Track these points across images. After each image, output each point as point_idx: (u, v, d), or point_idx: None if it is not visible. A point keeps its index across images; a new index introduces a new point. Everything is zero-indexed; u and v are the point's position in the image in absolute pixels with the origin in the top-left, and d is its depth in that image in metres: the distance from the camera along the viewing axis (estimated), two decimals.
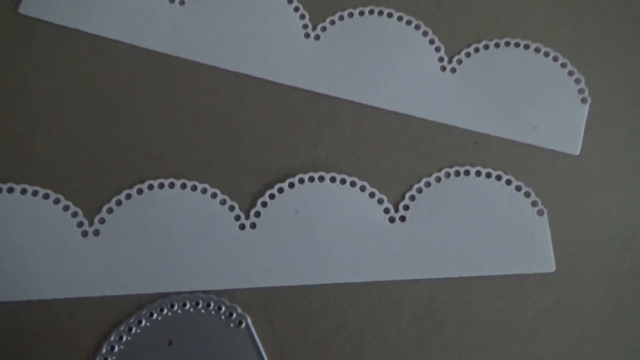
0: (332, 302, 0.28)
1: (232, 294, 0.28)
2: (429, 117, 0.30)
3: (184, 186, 0.29)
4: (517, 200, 0.29)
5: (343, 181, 0.29)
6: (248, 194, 0.29)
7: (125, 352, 0.27)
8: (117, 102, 0.30)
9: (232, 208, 0.29)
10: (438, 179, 0.30)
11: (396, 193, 0.30)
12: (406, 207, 0.29)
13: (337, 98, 0.30)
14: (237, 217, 0.29)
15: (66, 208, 0.28)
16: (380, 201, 0.29)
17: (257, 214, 0.29)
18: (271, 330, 0.28)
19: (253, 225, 0.29)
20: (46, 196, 0.28)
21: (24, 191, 0.28)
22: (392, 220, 0.29)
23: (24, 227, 0.27)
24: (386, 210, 0.29)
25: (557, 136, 0.30)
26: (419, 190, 0.30)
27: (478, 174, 0.30)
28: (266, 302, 0.28)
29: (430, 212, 0.29)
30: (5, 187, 0.28)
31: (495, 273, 0.29)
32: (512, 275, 0.29)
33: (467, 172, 0.30)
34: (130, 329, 0.27)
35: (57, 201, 0.28)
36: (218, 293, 0.28)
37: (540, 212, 0.29)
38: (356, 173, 0.29)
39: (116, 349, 0.27)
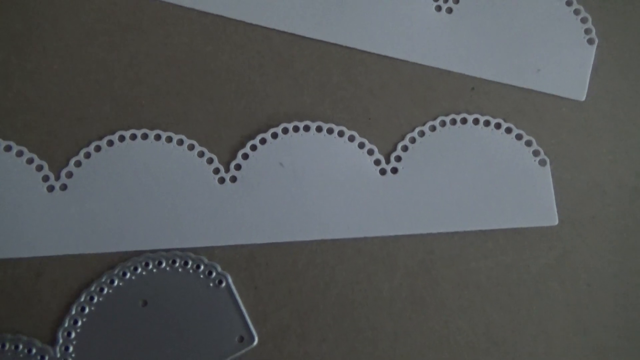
0: (320, 259, 0.26)
1: (211, 252, 0.26)
2: (423, 61, 0.28)
3: (158, 137, 0.27)
4: (517, 150, 0.28)
5: (330, 131, 0.27)
6: (228, 146, 0.27)
7: (97, 314, 0.25)
8: (84, 46, 0.27)
9: (210, 160, 0.27)
10: (433, 128, 0.28)
11: (388, 143, 0.28)
12: (398, 158, 0.27)
13: (323, 42, 0.28)
14: (217, 170, 0.27)
15: (30, 161, 0.26)
16: (370, 152, 0.27)
17: (238, 167, 0.27)
18: (254, 290, 0.26)
19: (233, 179, 0.27)
20: (8, 148, 0.26)
21: None
22: (383, 172, 0.27)
23: None
24: (377, 162, 0.27)
25: (561, 80, 0.28)
26: (412, 140, 0.28)
27: (476, 122, 0.28)
28: (248, 260, 0.26)
29: (424, 163, 0.27)
30: None
31: (494, 227, 0.27)
32: (513, 229, 0.27)
33: (464, 120, 0.28)
34: (101, 290, 0.25)
35: (20, 154, 0.26)
36: (196, 251, 0.26)
37: (542, 162, 0.27)
38: (344, 122, 0.28)
39: (87, 310, 0.25)
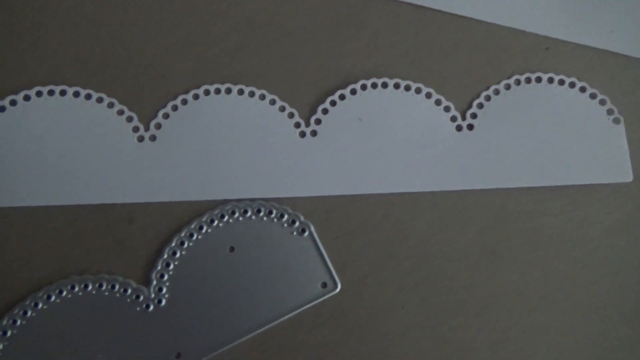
0: (396, 212, 0.28)
1: (293, 203, 0.27)
2: (497, 21, 0.29)
3: (241, 92, 0.28)
4: (591, 108, 0.28)
5: (408, 88, 0.28)
6: (308, 101, 0.28)
7: (187, 258, 0.26)
8: (167, 5, 0.28)
9: (291, 115, 0.28)
10: (508, 86, 0.29)
11: (463, 101, 0.29)
12: (474, 115, 0.28)
13: (397, 1, 0.29)
14: (297, 125, 0.28)
15: (121, 112, 0.27)
16: (447, 109, 0.28)
17: (318, 122, 0.28)
18: (334, 240, 0.27)
19: (314, 133, 0.28)
20: (100, 100, 0.27)
21: (76, 94, 0.27)
22: (459, 128, 0.28)
23: (78, 131, 0.27)
24: (453, 119, 0.28)
25: (635, 40, 0.29)
26: (488, 98, 0.29)
27: (550, 80, 0.29)
28: (328, 211, 0.27)
29: (500, 120, 0.28)
30: (57, 89, 0.27)
31: (568, 183, 0.28)
32: (586, 186, 0.28)
33: (538, 79, 0.29)
34: (191, 235, 0.26)
35: (111, 105, 0.27)
36: (279, 201, 0.27)
37: (616, 121, 0.28)
38: (421, 80, 0.28)
39: (178, 254, 0.26)
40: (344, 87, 0.28)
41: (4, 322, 0.25)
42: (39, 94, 0.27)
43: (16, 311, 0.25)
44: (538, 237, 0.27)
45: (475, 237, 0.27)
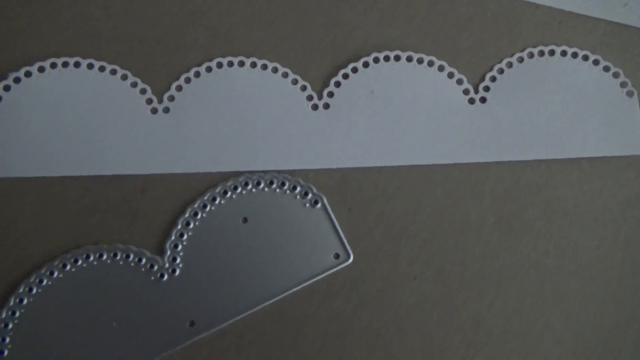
0: (409, 184, 0.28)
1: (306, 175, 0.27)
2: None
3: (254, 65, 0.28)
4: (605, 81, 0.28)
5: (420, 60, 0.28)
6: (320, 74, 0.28)
7: (201, 229, 0.26)
8: None
9: (304, 88, 0.28)
10: (520, 59, 0.29)
11: (476, 74, 0.29)
12: (487, 88, 0.28)
13: None
14: (310, 98, 0.28)
15: (134, 84, 0.28)
16: (459, 82, 0.28)
17: (331, 94, 0.28)
18: (347, 211, 0.27)
19: (326, 106, 0.28)
20: (113, 72, 0.28)
21: (90, 66, 0.27)
22: (471, 101, 0.28)
23: (92, 102, 0.27)
24: (466, 91, 0.28)
25: None
26: (501, 71, 0.29)
27: (563, 53, 0.29)
28: (341, 183, 0.28)
29: (513, 93, 0.28)
30: (72, 61, 0.27)
31: (581, 155, 0.28)
32: (599, 158, 0.28)
33: (551, 52, 0.29)
34: (204, 206, 0.27)
35: (124, 77, 0.28)
36: (292, 173, 0.27)
37: (629, 93, 0.28)
38: (433, 53, 0.28)
39: (191, 225, 0.26)
40: (357, 60, 0.28)
41: (20, 290, 0.25)
42: (53, 65, 0.27)
43: (32, 279, 0.25)
44: (551, 210, 0.27)
45: (489, 209, 0.28)
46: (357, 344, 0.26)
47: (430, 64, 0.28)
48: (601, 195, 0.28)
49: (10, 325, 0.25)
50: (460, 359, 0.26)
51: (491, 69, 0.29)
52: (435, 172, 0.28)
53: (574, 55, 0.29)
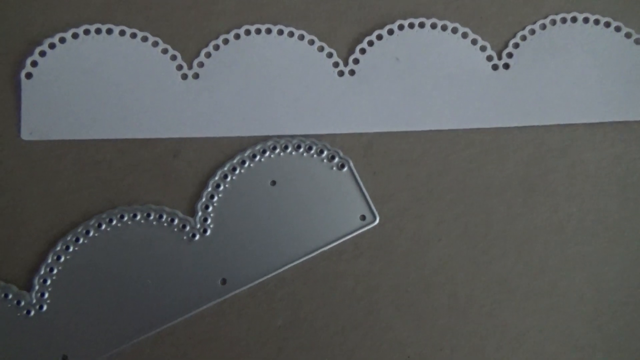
0: (434, 148, 0.28)
1: (332, 139, 0.28)
2: None
3: (280, 32, 0.29)
4: (627, 47, 0.29)
5: (444, 27, 0.29)
6: (346, 42, 0.29)
7: (231, 191, 0.27)
8: None
9: (330, 55, 0.29)
10: (543, 26, 0.29)
11: (499, 41, 0.29)
12: (510, 55, 0.29)
13: None
14: (336, 64, 0.29)
15: (165, 51, 0.28)
16: (483, 48, 0.29)
17: (356, 61, 0.29)
18: (372, 175, 0.28)
19: (352, 72, 0.29)
20: (145, 39, 0.28)
21: (122, 33, 0.28)
22: (495, 67, 0.29)
23: (124, 68, 0.28)
24: (489, 58, 0.29)
25: None
26: (523, 38, 0.29)
27: (585, 20, 0.29)
28: (366, 147, 0.28)
29: (535, 59, 0.29)
30: (104, 28, 0.28)
31: (604, 120, 0.28)
32: (622, 122, 0.28)
33: (574, 19, 0.29)
34: (234, 169, 0.27)
35: (155, 44, 0.28)
36: (318, 137, 0.28)
37: None
38: (457, 20, 0.29)
39: (222, 187, 0.27)
40: (382, 27, 0.29)
41: (58, 248, 0.26)
42: (86, 32, 0.28)
43: (69, 237, 0.26)
44: (574, 173, 0.28)
45: (513, 172, 0.28)
46: (384, 301, 0.27)
47: (454, 30, 0.29)
48: (624, 159, 0.28)
49: (49, 282, 0.26)
50: (485, 316, 0.27)
51: (514, 36, 0.29)
52: (460, 136, 0.29)
53: (596, 22, 0.29)
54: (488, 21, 0.29)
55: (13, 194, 0.27)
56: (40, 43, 0.28)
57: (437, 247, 0.27)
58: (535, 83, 0.29)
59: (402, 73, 0.29)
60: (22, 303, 0.25)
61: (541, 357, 0.27)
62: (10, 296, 0.25)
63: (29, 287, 0.26)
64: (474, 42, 0.29)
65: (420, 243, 0.27)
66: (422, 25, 0.29)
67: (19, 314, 0.25)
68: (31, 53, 0.27)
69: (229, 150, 0.28)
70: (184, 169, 0.28)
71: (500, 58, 0.29)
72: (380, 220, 0.27)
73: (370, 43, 0.29)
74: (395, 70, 0.29)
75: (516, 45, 0.29)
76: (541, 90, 0.29)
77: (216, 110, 0.28)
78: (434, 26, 0.29)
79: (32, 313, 0.25)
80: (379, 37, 0.29)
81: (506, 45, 0.29)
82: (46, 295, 0.26)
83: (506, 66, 0.29)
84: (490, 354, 0.26)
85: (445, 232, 0.28)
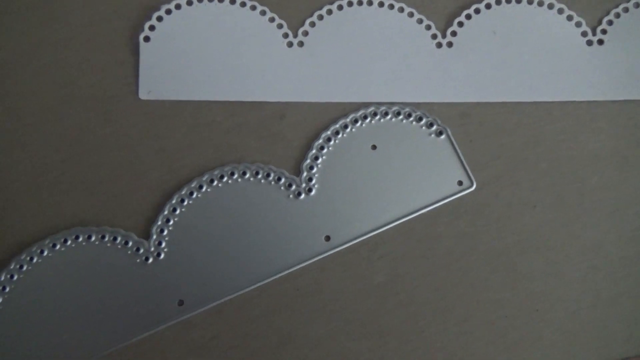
0: (528, 119, 0.30)
1: (430, 108, 0.30)
2: None
3: (381, 4, 0.31)
4: None
5: (541, 3, 0.31)
6: (444, 14, 0.31)
7: (333, 154, 0.29)
8: None
9: (428, 27, 0.31)
10: (637, 5, 0.31)
11: (593, 17, 0.31)
12: (604, 32, 0.30)
13: None
14: (434, 36, 0.31)
15: (272, 20, 0.30)
16: (578, 24, 0.30)
17: (454, 34, 0.31)
18: (469, 143, 0.30)
19: (450, 44, 0.30)
20: (253, 7, 0.30)
21: (232, 1, 0.30)
22: (589, 43, 0.30)
23: (234, 35, 0.30)
24: (584, 34, 0.30)
25: None
26: (617, 15, 0.31)
27: None
28: (463, 116, 0.30)
29: (629, 36, 0.30)
30: None
31: None
32: None
33: None
34: (337, 133, 0.29)
35: (263, 13, 0.30)
36: (417, 106, 0.30)
37: None
38: None
39: (325, 149, 0.29)
40: (480, 1, 0.31)
41: (174, 200, 0.28)
42: None
43: (184, 191, 0.28)
44: None
45: (605, 143, 0.30)
46: (480, 262, 0.28)
47: (551, 6, 0.31)
48: None
49: (165, 231, 0.28)
50: (580, 280, 0.28)
51: (608, 13, 0.31)
52: (554, 108, 0.30)
53: None
54: None
55: (131, 149, 0.29)
56: (157, 9, 0.30)
57: (531, 213, 0.29)
58: (628, 59, 0.30)
59: (499, 46, 0.30)
60: (141, 250, 0.27)
61: (636, 322, 0.28)
62: (130, 243, 0.27)
63: (146, 236, 0.28)
64: (570, 18, 0.31)
65: (515, 209, 0.29)
66: (518, 0, 0.31)
67: (137, 260, 0.27)
68: (149, 18, 0.30)
69: (332, 115, 0.30)
70: (289, 131, 0.29)
71: (594, 34, 0.30)
72: (476, 186, 0.29)
73: (468, 16, 0.31)
74: (492, 43, 0.30)
75: (610, 23, 0.31)
76: (633, 66, 0.30)
77: (320, 77, 0.30)
78: (530, 2, 0.31)
79: (150, 260, 0.27)
80: (477, 11, 0.31)
81: (600, 22, 0.31)
82: (163, 244, 0.28)
83: (600, 42, 0.30)
84: (584, 316, 0.28)
85: (539, 199, 0.29)
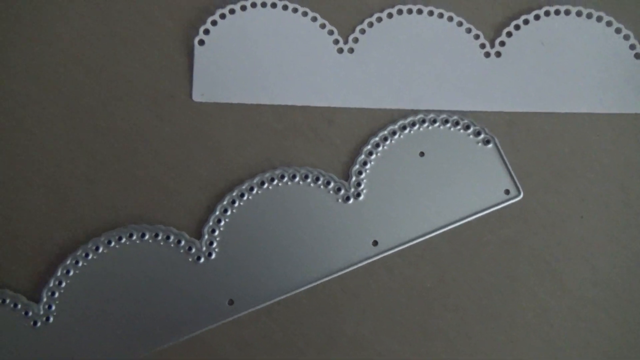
0: (575, 129, 0.30)
1: (477, 116, 0.30)
2: None
3: (431, 13, 0.31)
4: (615, 42, 0.31)
5: (589, 15, 0.31)
6: (493, 24, 0.31)
7: (382, 159, 0.30)
8: None
9: (477, 37, 0.31)
10: None
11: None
12: None
13: None
14: (483, 46, 0.31)
15: (323, 26, 0.31)
16: (626, 37, 0.31)
17: (502, 44, 0.31)
18: (516, 152, 0.30)
19: (498, 54, 0.31)
20: (305, 14, 0.31)
21: (285, 7, 0.31)
22: (637, 56, 0.31)
23: (286, 40, 0.31)
24: (632, 47, 0.31)
25: None
26: None
27: None
28: (509, 125, 0.30)
29: None
30: (269, 1, 0.31)
31: None
32: None
33: None
34: (385, 139, 0.30)
35: (314, 19, 0.31)
36: (464, 114, 0.30)
37: None
38: (603, 9, 0.31)
39: (373, 155, 0.30)
40: (528, 12, 0.31)
41: (225, 202, 0.29)
42: (253, 5, 0.31)
43: (235, 193, 0.29)
44: None
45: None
46: (526, 269, 0.29)
47: (599, 19, 0.31)
48: None
49: (217, 232, 0.28)
50: (627, 290, 0.28)
51: None
52: (601, 119, 0.30)
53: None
54: (633, 10, 0.31)
55: (184, 149, 0.30)
56: (212, 13, 0.31)
57: (578, 223, 0.29)
58: None
59: (546, 57, 0.31)
60: (193, 250, 0.28)
61: None
62: (182, 242, 0.28)
63: (198, 236, 0.28)
64: (618, 30, 0.31)
65: (562, 218, 0.29)
66: (567, 12, 0.31)
67: (189, 260, 0.28)
68: (204, 22, 0.30)
69: (379, 121, 0.30)
70: (337, 136, 0.30)
71: None
72: (523, 195, 0.29)
73: (517, 27, 0.31)
74: (540, 54, 0.31)
75: None
76: None
77: (368, 83, 0.31)
78: (579, 14, 0.31)
79: (202, 259, 0.28)
80: (526, 22, 0.31)
81: None
82: (214, 244, 0.28)
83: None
84: (632, 325, 0.28)
85: (586, 209, 0.29)
